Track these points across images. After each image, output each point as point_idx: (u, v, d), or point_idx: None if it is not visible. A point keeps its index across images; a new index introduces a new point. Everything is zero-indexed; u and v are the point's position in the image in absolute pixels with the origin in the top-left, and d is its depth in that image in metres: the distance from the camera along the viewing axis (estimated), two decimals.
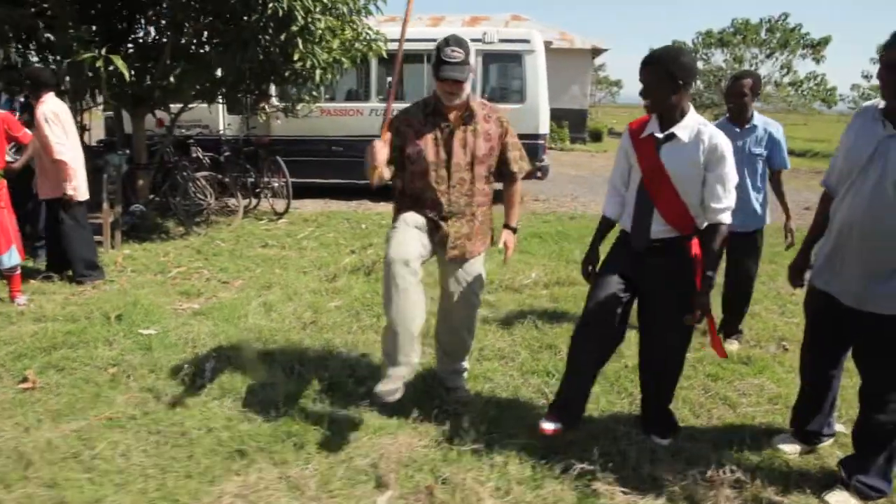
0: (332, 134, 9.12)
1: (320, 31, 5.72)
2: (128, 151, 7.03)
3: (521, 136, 2.32)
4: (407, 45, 9.63)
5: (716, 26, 27.82)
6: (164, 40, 6.00)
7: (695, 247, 2.47)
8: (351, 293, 4.78)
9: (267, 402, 3.05)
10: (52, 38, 5.40)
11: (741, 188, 3.64)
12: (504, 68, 9.15)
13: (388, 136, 2.74)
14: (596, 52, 20.25)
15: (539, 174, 8.94)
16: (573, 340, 2.66)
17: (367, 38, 6.99)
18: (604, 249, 2.73)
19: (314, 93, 7.36)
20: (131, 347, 3.72)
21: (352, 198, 9.41)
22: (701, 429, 2.90)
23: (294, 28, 5.55)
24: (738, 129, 3.64)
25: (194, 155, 8.44)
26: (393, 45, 8.81)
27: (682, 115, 2.37)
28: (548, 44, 10.16)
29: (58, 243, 5.09)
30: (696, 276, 2.41)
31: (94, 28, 5.81)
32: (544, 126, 8.95)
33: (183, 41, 5.98)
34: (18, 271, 4.57)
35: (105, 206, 5.97)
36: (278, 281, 5.14)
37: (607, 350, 2.67)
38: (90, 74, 4.87)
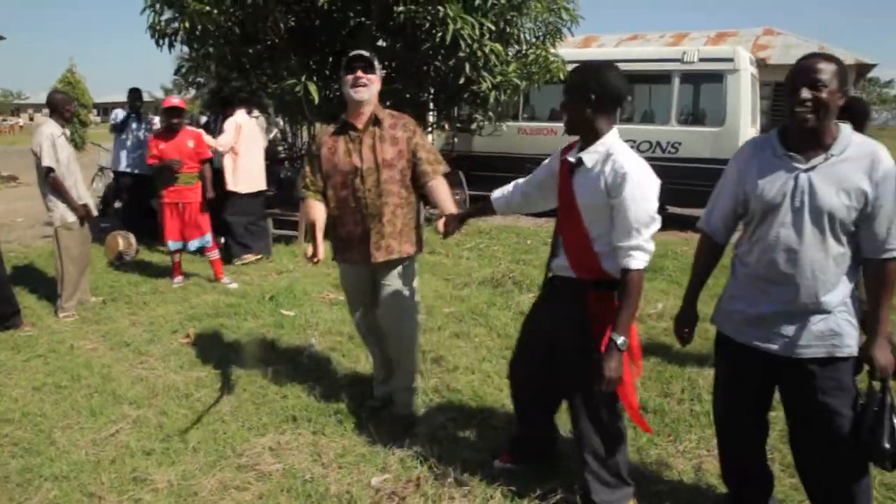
0: (527, 152, 9.35)
1: (486, 57, 6.12)
2: None
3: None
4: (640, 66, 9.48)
5: None
6: None
7: (598, 301, 2.18)
8: (469, 302, 5.04)
9: (336, 382, 3.52)
10: (269, 69, 6.65)
11: None
12: (703, 89, 8.56)
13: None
14: (863, 67, 17.44)
15: None
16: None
17: (545, 61, 7.22)
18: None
19: (490, 113, 7.82)
20: (269, 323, 4.51)
21: (542, 215, 9.54)
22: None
23: (461, 54, 6.04)
24: None
25: None
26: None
27: (597, 137, 2.14)
28: (762, 62, 9.20)
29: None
30: (595, 334, 2.14)
31: (308, 58, 6.99)
32: None
33: None
34: (216, 256, 5.68)
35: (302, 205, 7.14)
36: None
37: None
38: (287, 98, 5.95)
